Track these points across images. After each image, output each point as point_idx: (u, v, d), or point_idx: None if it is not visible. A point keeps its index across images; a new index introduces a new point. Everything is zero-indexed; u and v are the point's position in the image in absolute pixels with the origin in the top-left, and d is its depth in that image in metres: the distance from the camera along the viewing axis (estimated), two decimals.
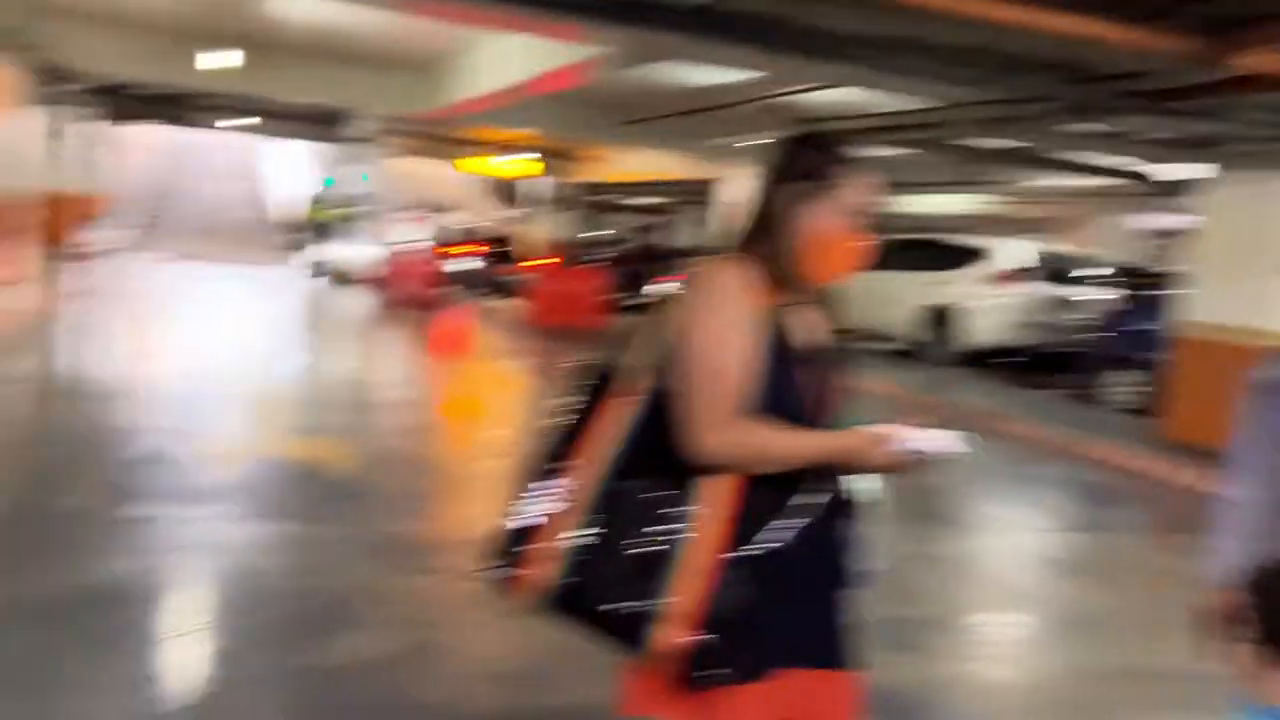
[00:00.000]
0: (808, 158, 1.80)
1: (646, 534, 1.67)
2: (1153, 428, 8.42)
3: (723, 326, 1.70)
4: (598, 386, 1.81)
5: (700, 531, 1.68)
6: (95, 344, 10.28)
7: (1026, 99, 6.74)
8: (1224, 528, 1.89)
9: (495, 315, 15.95)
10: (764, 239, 1.79)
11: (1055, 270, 12.34)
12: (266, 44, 13.51)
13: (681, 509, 1.68)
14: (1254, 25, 4.91)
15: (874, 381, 10.90)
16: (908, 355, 13.17)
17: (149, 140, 31.02)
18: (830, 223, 1.77)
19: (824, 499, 1.74)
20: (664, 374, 1.75)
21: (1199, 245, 8.70)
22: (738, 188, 16.11)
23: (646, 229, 19.05)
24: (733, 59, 6.97)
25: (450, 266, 17.97)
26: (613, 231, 28.71)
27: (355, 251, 18.38)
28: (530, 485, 1.79)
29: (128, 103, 17.03)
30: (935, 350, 12.54)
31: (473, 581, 4.31)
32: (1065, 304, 11.88)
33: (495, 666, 3.50)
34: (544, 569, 1.71)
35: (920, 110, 8.30)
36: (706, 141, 14.25)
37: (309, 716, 3.11)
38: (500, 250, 17.52)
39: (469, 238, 19.68)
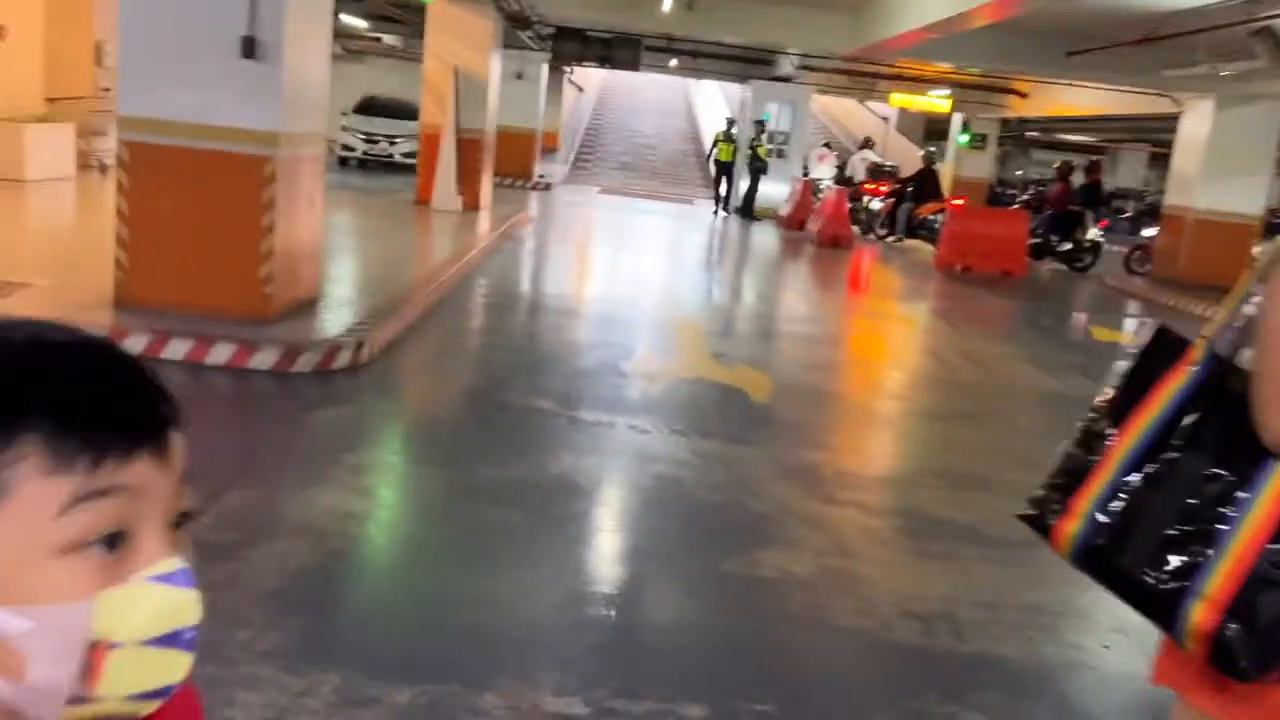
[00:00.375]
0: None
1: (1195, 511, 1.56)
2: None
3: None
4: (1166, 350, 1.69)
5: (1257, 518, 1.54)
6: (544, 265, 11.49)
7: None
8: None
9: (906, 256, 15.60)
10: None
11: None
12: None
13: (1239, 491, 1.55)
14: None
15: None
16: None
17: (589, 80, 33.65)
18: None
19: None
20: (1241, 345, 1.60)
21: None
22: (1199, 122, 14.26)
23: (1083, 169, 17.42)
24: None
25: (863, 204, 17.80)
26: (1043, 172, 26.76)
27: (775, 189, 18.75)
28: (1079, 442, 1.72)
29: (573, 45, 18.52)
30: None
31: (885, 518, 4.37)
32: None
33: (909, 605, 3.50)
34: (1074, 524, 1.65)
35: None
36: (1167, 73, 12.70)
37: (738, 619, 3.32)
38: (915, 189, 16.95)
39: (882, 176, 19.31)
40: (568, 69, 26.34)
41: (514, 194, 17.51)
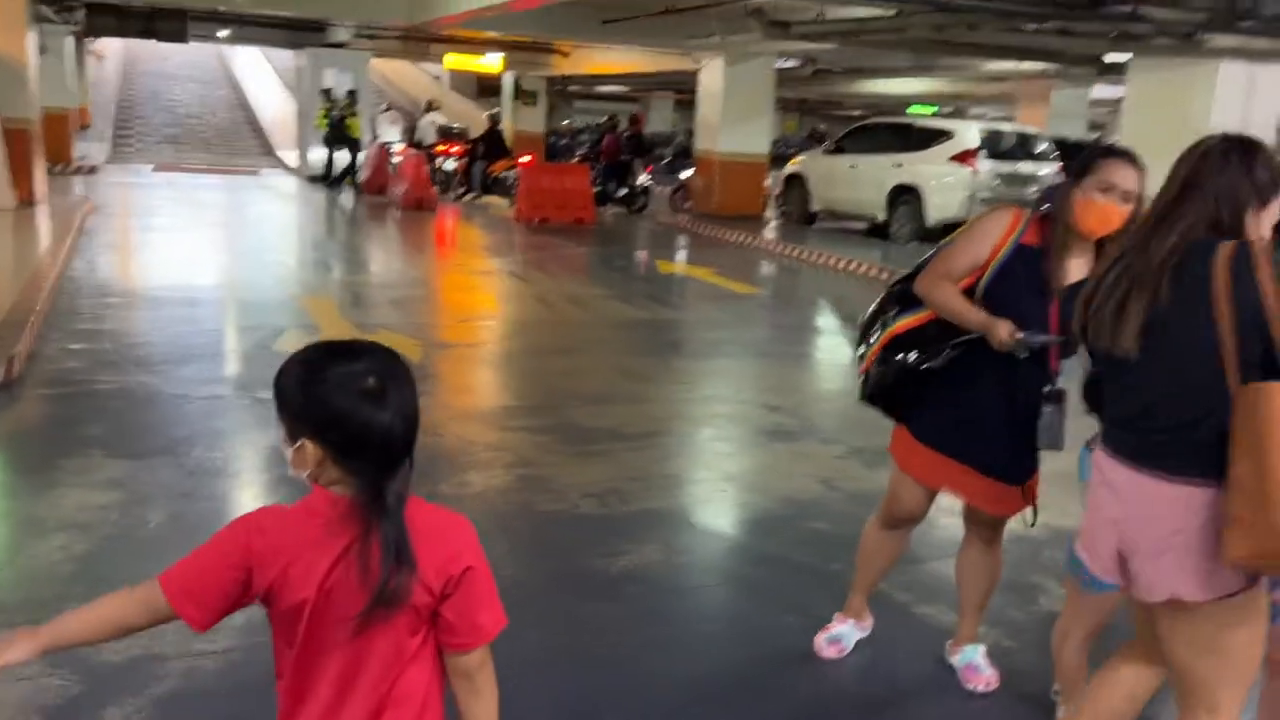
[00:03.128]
0: (1083, 155, 2.75)
1: (876, 320, 3.03)
2: None
3: (970, 233, 2.86)
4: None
5: (893, 326, 2.96)
6: (140, 256, 11.21)
7: (971, 8, 7.77)
8: None
9: (487, 213, 16.89)
10: (1057, 207, 2.74)
11: (1007, 147, 13.46)
12: None
13: (897, 315, 2.96)
14: None
15: (847, 259, 12.10)
16: (877, 233, 14.35)
17: (115, 51, 30.89)
18: (1085, 196, 2.65)
19: (952, 352, 2.83)
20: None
21: (1125, 122, 9.85)
22: (715, 78, 16.90)
23: (626, 121, 19.70)
24: None
25: (437, 165, 18.75)
26: (594, 125, 29.26)
27: (346, 154, 19.02)
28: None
29: (107, 20, 17.38)
30: (902, 228, 13.72)
31: (548, 434, 5.54)
32: (1017, 179, 13.05)
33: (586, 489, 4.73)
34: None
35: (888, 17, 9.26)
36: (688, 41, 15.00)
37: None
38: (485, 149, 18.24)
39: (452, 137, 20.35)
40: (90, 40, 24.23)
41: (58, 181, 16.25)
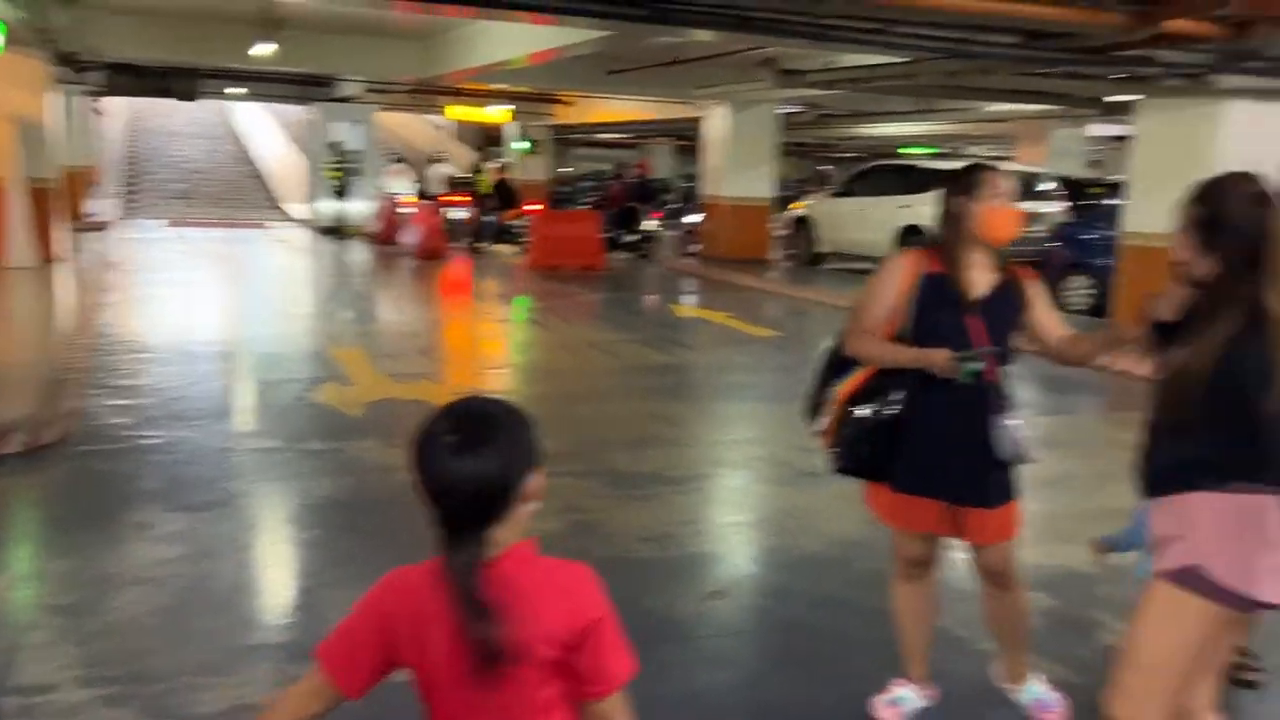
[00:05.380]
0: (961, 177, 2.98)
1: (823, 392, 3.07)
2: (1107, 326, 9.85)
3: (875, 284, 3.00)
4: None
5: (840, 391, 3.02)
6: (171, 311, 11.36)
7: (989, 55, 7.99)
8: None
9: (499, 261, 17.08)
10: (943, 235, 2.96)
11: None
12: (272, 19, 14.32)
13: (839, 381, 3.03)
14: (1166, 2, 6.20)
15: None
16: None
17: (119, 109, 31.28)
18: (986, 206, 2.89)
19: (903, 392, 2.93)
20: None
21: (1133, 161, 10.05)
22: (720, 125, 17.18)
23: (629, 168, 20.01)
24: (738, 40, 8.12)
25: (449, 215, 18.99)
26: (595, 171, 29.59)
27: (357, 206, 19.28)
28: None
29: (126, 79, 17.69)
30: None
31: (594, 479, 5.61)
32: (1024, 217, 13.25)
33: (639, 533, 4.81)
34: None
35: (900, 63, 9.49)
36: (695, 90, 15.28)
37: None
38: (497, 199, 18.49)
39: (460, 187, 20.63)
40: (94, 98, 24.58)
41: (73, 238, 16.45)
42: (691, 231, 18.34)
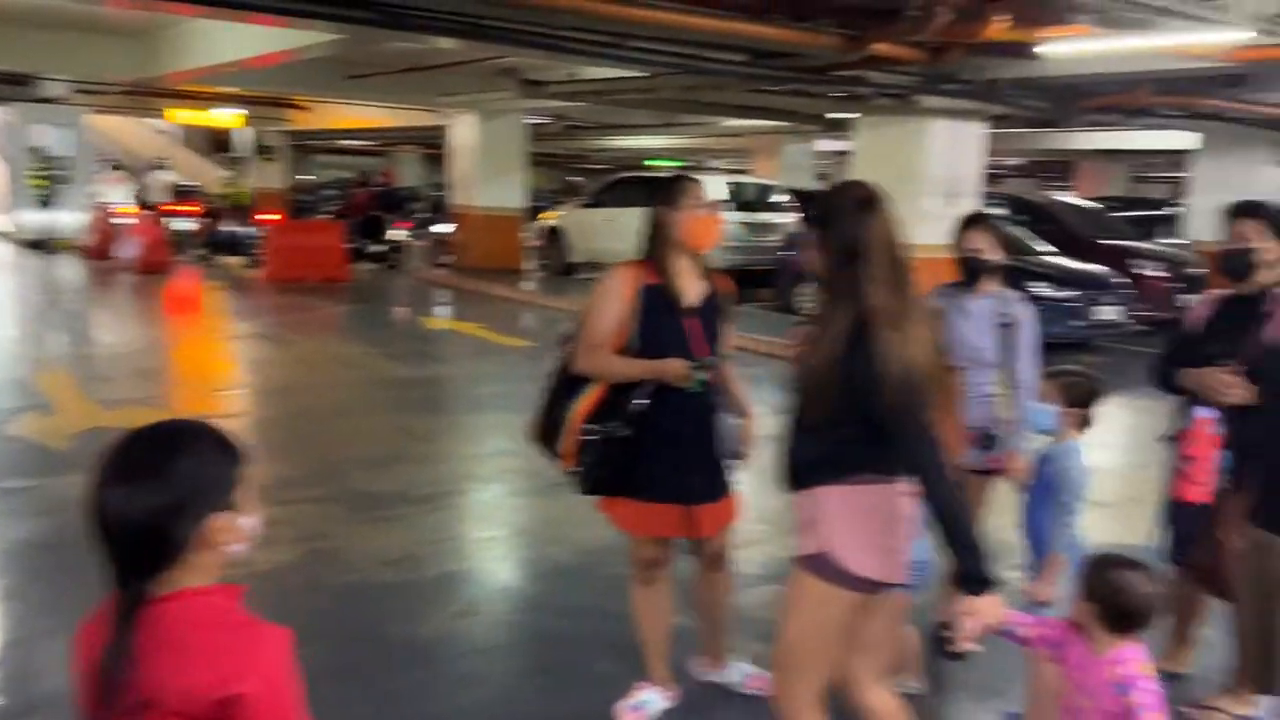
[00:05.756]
0: (661, 187, 3.06)
1: (557, 413, 3.00)
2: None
3: (599, 300, 3.01)
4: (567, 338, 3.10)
5: (576, 412, 3.00)
6: None
7: (719, 72, 8.33)
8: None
9: (233, 274, 16.07)
10: (651, 244, 3.03)
11: (749, 198, 14.37)
12: None
13: (573, 401, 2.99)
14: (874, 28, 6.70)
15: None
16: None
17: None
18: (687, 214, 2.99)
19: (646, 400, 2.98)
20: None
21: (853, 174, 10.81)
22: (467, 134, 16.97)
23: (373, 176, 19.42)
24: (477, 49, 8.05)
25: (174, 226, 17.67)
26: (335, 179, 28.48)
27: (66, 217, 17.58)
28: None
29: None
30: None
31: (333, 503, 5.35)
32: (758, 227, 13.95)
33: (381, 556, 4.62)
34: (532, 426, 3.12)
35: (639, 78, 9.72)
36: (439, 98, 15.02)
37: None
38: (223, 206, 17.40)
39: (188, 196, 19.27)
40: None
41: None
42: (442, 241, 18.02)
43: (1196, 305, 3.44)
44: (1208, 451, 3.11)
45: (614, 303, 3.01)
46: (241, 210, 17.42)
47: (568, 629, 3.96)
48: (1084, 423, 3.25)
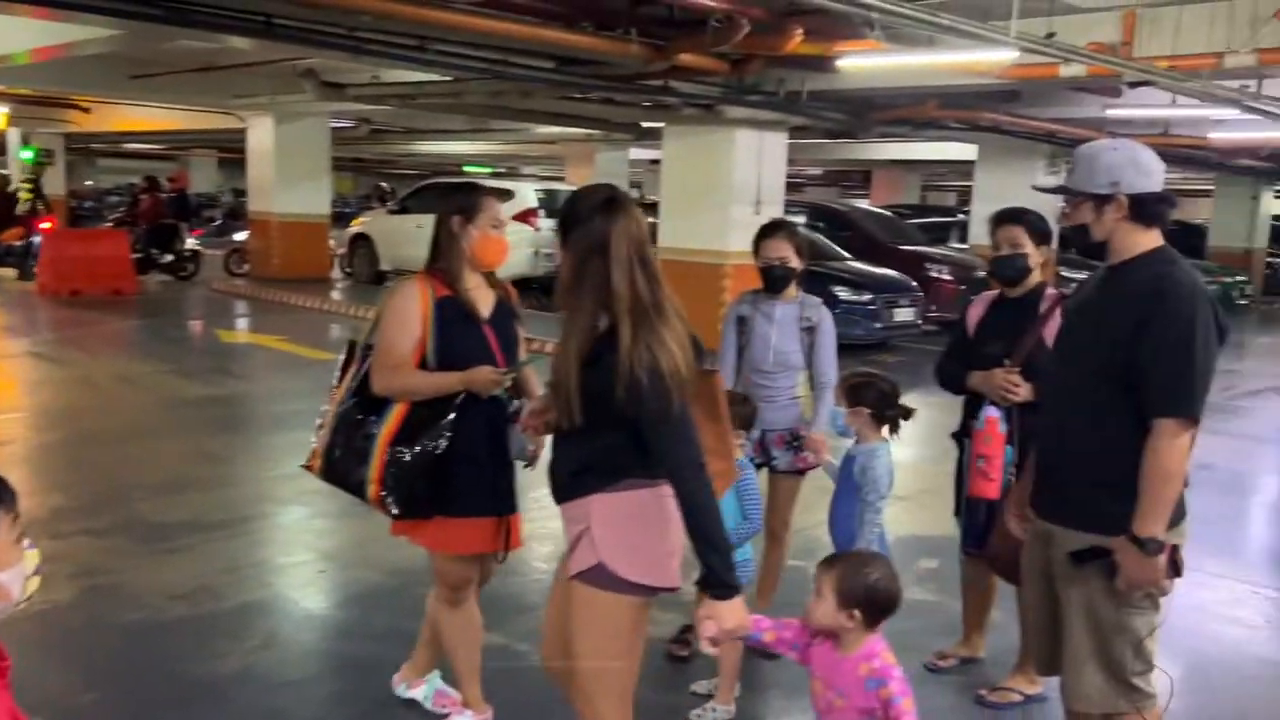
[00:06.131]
0: (458, 198, 2.94)
1: (360, 437, 2.83)
2: None
3: (394, 317, 2.87)
4: (350, 352, 2.94)
5: (382, 435, 2.85)
6: None
7: (525, 78, 8.26)
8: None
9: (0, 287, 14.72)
10: (441, 255, 2.91)
11: (558, 206, 14.36)
12: None
13: (377, 422, 2.85)
14: (679, 38, 6.81)
15: None
16: None
17: None
18: (481, 232, 2.90)
19: (449, 417, 2.84)
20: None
21: (664, 182, 10.97)
22: (265, 137, 16.19)
23: (160, 181, 18.21)
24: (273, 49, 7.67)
25: None
26: (125, 185, 26.57)
27: None
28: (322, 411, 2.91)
29: None
30: None
31: (115, 536, 4.93)
32: None
33: (170, 590, 4.29)
34: (319, 460, 2.85)
35: (446, 81, 9.50)
36: (233, 100, 14.27)
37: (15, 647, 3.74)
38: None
39: None
40: None
41: None
42: (239, 250, 17.11)
43: (970, 308, 3.64)
44: (998, 449, 3.28)
45: (410, 319, 2.88)
46: (11, 217, 15.93)
47: (383, 654, 3.77)
48: (880, 423, 3.34)
